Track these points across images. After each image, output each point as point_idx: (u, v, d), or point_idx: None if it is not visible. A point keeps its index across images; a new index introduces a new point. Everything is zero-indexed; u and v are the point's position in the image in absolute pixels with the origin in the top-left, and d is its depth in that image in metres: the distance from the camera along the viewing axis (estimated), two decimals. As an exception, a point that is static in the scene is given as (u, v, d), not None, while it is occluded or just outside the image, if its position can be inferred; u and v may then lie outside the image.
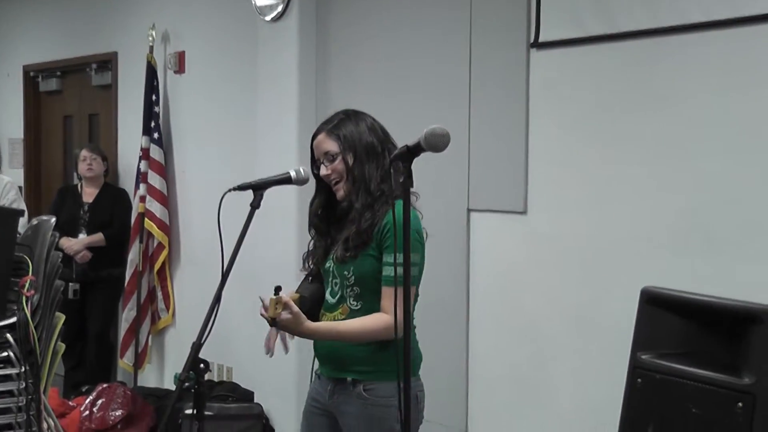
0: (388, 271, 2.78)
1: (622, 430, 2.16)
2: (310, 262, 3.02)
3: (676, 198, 3.63)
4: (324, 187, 2.95)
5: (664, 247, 3.66)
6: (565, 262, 4.02)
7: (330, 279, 2.93)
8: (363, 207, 2.81)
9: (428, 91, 4.54)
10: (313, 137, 2.94)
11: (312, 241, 3.05)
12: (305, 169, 2.86)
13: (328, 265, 2.93)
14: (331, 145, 2.87)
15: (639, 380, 2.05)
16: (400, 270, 2.62)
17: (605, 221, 3.87)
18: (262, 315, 2.75)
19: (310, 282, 2.99)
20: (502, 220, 4.26)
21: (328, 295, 2.94)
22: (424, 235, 2.88)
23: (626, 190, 3.79)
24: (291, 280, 4.59)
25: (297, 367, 4.96)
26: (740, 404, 1.91)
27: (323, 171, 2.89)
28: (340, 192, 2.88)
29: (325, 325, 2.86)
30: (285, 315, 2.71)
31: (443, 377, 4.41)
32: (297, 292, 2.95)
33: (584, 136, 3.95)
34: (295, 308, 2.74)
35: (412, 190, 2.84)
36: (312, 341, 2.95)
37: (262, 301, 2.73)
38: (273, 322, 2.72)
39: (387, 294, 2.79)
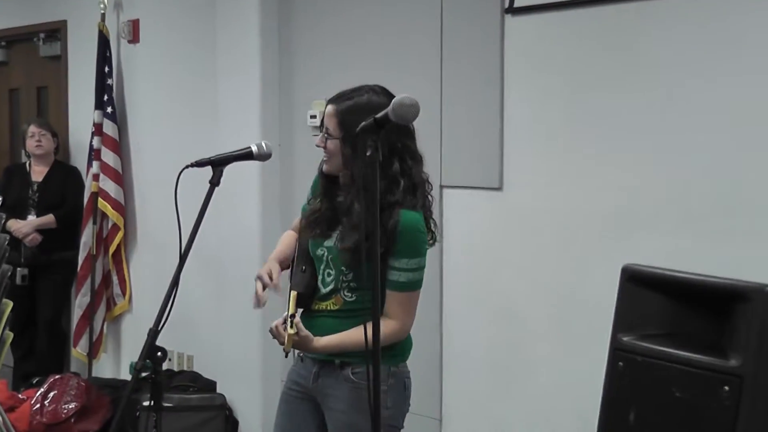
0: (395, 275, 2.77)
1: (602, 415, 2.17)
2: (314, 234, 2.93)
3: (658, 172, 3.64)
4: None
5: (646, 223, 3.67)
6: (543, 240, 4.03)
7: (322, 267, 2.91)
8: (367, 214, 2.75)
9: (398, 60, 4.51)
10: (328, 102, 2.88)
11: (318, 203, 2.95)
12: (267, 144, 2.84)
13: (321, 252, 2.90)
14: (332, 124, 2.81)
15: (620, 363, 2.06)
16: (411, 276, 2.77)
17: (585, 197, 3.88)
18: (273, 336, 2.79)
19: (304, 271, 2.95)
20: (476, 196, 4.26)
21: (319, 284, 2.92)
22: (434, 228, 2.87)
23: (607, 164, 3.80)
24: (254, 262, 4.59)
25: (262, 356, 4.95)
26: (726, 387, 1.92)
27: (318, 140, 2.87)
28: (325, 166, 2.87)
29: (333, 341, 2.83)
30: (294, 338, 2.73)
31: (416, 362, 4.39)
32: (292, 288, 2.92)
33: (563, 107, 3.95)
34: (304, 331, 2.75)
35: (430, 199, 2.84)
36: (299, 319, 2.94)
37: (276, 329, 2.75)
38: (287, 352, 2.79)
39: (393, 299, 2.79)
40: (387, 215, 2.71)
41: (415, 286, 2.82)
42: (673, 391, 1.95)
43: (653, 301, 2.07)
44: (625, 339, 2.06)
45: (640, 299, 2.08)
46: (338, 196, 2.90)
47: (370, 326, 2.73)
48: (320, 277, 2.92)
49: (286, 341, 2.71)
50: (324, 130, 2.85)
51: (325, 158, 2.88)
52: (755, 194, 3.40)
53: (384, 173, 2.70)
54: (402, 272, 2.76)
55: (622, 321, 2.09)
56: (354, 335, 2.79)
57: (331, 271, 2.88)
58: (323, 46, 4.88)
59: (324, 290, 2.90)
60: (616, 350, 2.06)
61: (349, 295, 2.86)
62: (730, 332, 1.94)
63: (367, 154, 2.27)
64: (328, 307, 2.89)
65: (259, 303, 2.89)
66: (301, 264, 2.97)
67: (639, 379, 2.03)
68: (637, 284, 2.08)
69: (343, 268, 2.83)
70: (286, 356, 2.84)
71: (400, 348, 2.91)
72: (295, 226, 3.19)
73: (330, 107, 2.85)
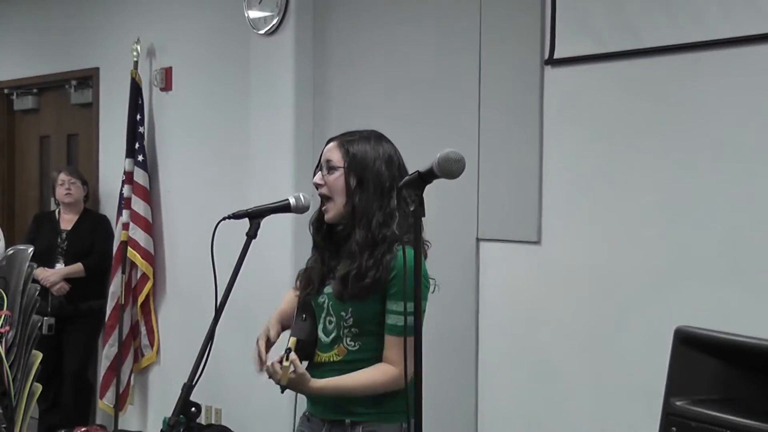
0: (393, 319, 2.75)
1: (654, 482, 2.12)
2: (309, 290, 2.94)
3: (704, 224, 3.60)
4: None
5: (692, 278, 3.63)
6: (582, 295, 3.99)
7: (323, 315, 2.89)
8: (364, 242, 2.76)
9: (435, 111, 4.52)
10: (327, 142, 2.91)
11: (311, 260, 2.99)
12: (305, 196, 2.83)
13: (321, 300, 2.89)
14: (335, 156, 2.83)
15: (673, 428, 2.01)
16: (409, 320, 2.63)
17: (626, 251, 3.84)
18: (267, 371, 2.76)
19: (304, 320, 2.93)
20: (514, 250, 4.23)
21: (321, 333, 2.89)
22: (431, 285, 2.86)
23: (649, 216, 3.77)
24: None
25: (291, 410, 4.90)
26: (785, 456, 1.87)
27: (316, 178, 2.86)
28: (328, 214, 2.85)
29: (330, 383, 2.80)
30: (291, 375, 2.71)
31: (450, 422, 4.37)
32: (292, 335, 2.90)
33: (603, 159, 3.93)
34: (301, 368, 2.72)
35: (424, 239, 2.82)
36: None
37: (271, 366, 2.73)
38: (283, 387, 2.75)
39: (393, 344, 2.77)
40: (384, 249, 2.73)
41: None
42: (729, 460, 1.90)
43: (708, 364, 2.03)
44: (678, 403, 2.01)
45: (693, 362, 2.03)
46: (331, 250, 2.90)
47: (371, 371, 2.79)
48: (321, 326, 2.89)
49: (282, 375, 2.68)
50: (324, 166, 2.85)
51: (325, 205, 2.86)
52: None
53: (383, 203, 2.77)
54: (400, 316, 2.72)
55: (675, 385, 2.04)
56: (354, 378, 2.79)
57: (332, 319, 2.86)
58: (358, 94, 4.90)
59: (326, 339, 2.87)
60: (669, 415, 2.01)
61: (352, 344, 2.83)
62: (789, 398, 1.90)
63: (411, 209, 2.26)
64: (331, 359, 2.86)
65: (262, 366, 2.89)
66: (301, 313, 2.95)
67: (693, 447, 1.98)
68: (691, 347, 2.04)
69: (342, 313, 2.81)
70: (282, 392, 2.78)
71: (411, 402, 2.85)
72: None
73: (332, 143, 2.88)
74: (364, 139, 2.86)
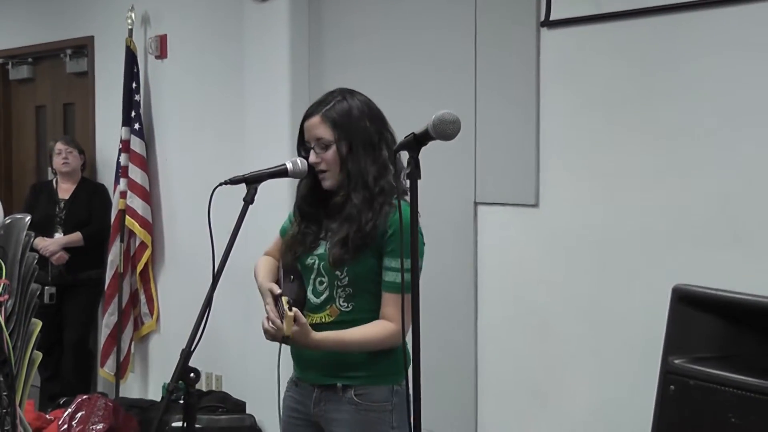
0: (391, 276, 2.74)
1: (652, 440, 2.13)
2: (296, 252, 2.92)
3: (701, 187, 3.60)
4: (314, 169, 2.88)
5: (688, 240, 3.63)
6: (580, 258, 3.99)
7: (313, 276, 2.86)
8: (362, 203, 2.75)
9: (430, 75, 4.50)
10: (306, 117, 2.86)
11: (297, 226, 2.95)
12: (302, 161, 2.81)
13: (311, 261, 2.87)
14: (324, 132, 2.80)
15: (672, 387, 2.01)
16: (407, 277, 2.62)
17: (623, 213, 3.84)
18: (267, 332, 2.72)
19: (292, 281, 2.91)
20: (512, 213, 4.23)
21: (310, 294, 2.87)
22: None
23: (646, 179, 3.76)
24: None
25: (285, 375, 4.91)
26: (784, 412, 1.87)
27: (312, 158, 2.82)
28: (327, 182, 2.83)
29: (331, 335, 2.78)
30: (294, 327, 2.67)
31: (450, 383, 4.38)
32: (283, 295, 2.87)
33: (600, 121, 3.91)
34: (303, 319, 2.69)
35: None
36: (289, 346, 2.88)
37: (271, 319, 2.69)
38: (286, 339, 2.68)
39: (391, 301, 2.76)
40: (382, 200, 2.74)
41: (411, 288, 2.70)
42: (728, 416, 1.90)
43: (706, 322, 2.03)
44: (676, 362, 2.02)
45: (691, 320, 2.04)
46: (320, 215, 2.88)
47: (370, 326, 2.77)
48: (310, 288, 2.87)
49: (285, 325, 2.63)
50: (315, 144, 2.81)
51: (323, 175, 2.83)
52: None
53: (375, 157, 2.77)
54: (398, 273, 2.70)
55: (673, 343, 2.04)
56: (353, 333, 2.76)
57: (323, 279, 2.84)
58: (353, 62, 4.87)
59: (316, 300, 2.85)
60: (668, 373, 2.02)
61: (345, 305, 2.81)
62: (787, 355, 1.90)
63: (407, 171, 2.26)
64: (323, 320, 2.83)
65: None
66: (289, 275, 2.92)
67: (692, 404, 1.98)
68: (689, 305, 2.04)
69: (338, 272, 2.78)
70: (285, 343, 2.71)
71: (402, 365, 2.80)
72: (269, 251, 3.13)
73: (313, 118, 2.82)
74: (343, 103, 2.83)
